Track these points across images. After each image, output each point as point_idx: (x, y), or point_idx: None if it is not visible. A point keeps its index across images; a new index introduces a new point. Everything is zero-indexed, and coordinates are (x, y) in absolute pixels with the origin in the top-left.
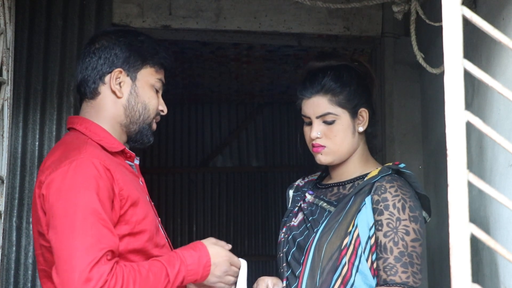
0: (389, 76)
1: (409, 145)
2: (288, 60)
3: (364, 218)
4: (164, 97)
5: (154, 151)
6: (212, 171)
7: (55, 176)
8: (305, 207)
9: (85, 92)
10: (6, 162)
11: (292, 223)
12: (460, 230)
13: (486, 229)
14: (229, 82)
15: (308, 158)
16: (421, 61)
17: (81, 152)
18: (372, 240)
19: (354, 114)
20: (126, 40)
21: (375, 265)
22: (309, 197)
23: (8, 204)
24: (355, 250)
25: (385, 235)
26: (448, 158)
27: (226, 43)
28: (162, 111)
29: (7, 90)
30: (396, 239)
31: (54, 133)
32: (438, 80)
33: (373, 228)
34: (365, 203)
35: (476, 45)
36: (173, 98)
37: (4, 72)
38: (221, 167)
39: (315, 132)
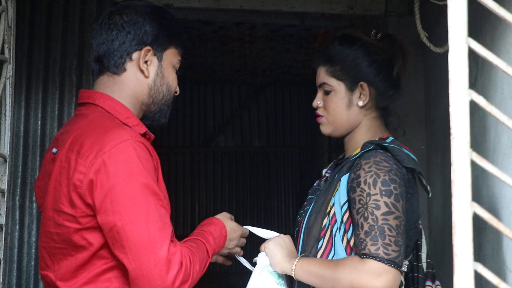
0: None
1: (411, 125)
2: (290, 40)
3: (338, 197)
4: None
5: (157, 131)
6: (215, 151)
7: (104, 160)
8: (314, 186)
9: (109, 65)
10: (9, 141)
11: (305, 202)
12: (463, 209)
13: (488, 208)
14: (232, 62)
15: (310, 138)
16: (425, 40)
17: (123, 133)
18: (345, 218)
19: (351, 87)
20: (156, 17)
21: (351, 243)
22: (324, 175)
23: (11, 183)
24: (331, 230)
25: (357, 212)
26: (452, 137)
27: (228, 22)
28: (176, 92)
29: (9, 68)
30: (366, 215)
31: (56, 112)
32: (441, 60)
33: (345, 206)
34: (340, 181)
35: (480, 24)
36: None
37: (6, 51)
38: (223, 146)
39: (316, 101)
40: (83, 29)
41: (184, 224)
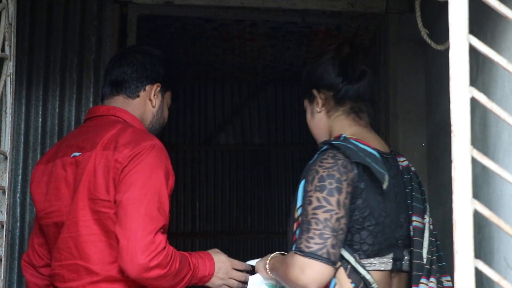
0: (393, 53)
1: (412, 122)
2: (291, 37)
3: (297, 201)
4: None
5: None
6: (215, 149)
7: (137, 152)
8: None
9: (126, 91)
10: (10, 138)
11: None
12: (463, 206)
13: (489, 205)
14: (232, 59)
15: (311, 136)
16: (425, 37)
17: (152, 137)
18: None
19: (310, 99)
20: (167, 64)
21: None
22: None
23: (12, 180)
24: (295, 233)
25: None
26: (452, 134)
27: (229, 19)
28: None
29: (10, 66)
30: (302, 211)
31: (57, 110)
32: (442, 57)
33: (299, 210)
34: (299, 185)
35: (481, 21)
36: (175, 75)
37: (7, 48)
38: (224, 144)
39: None
40: (83, 26)
41: (184, 221)
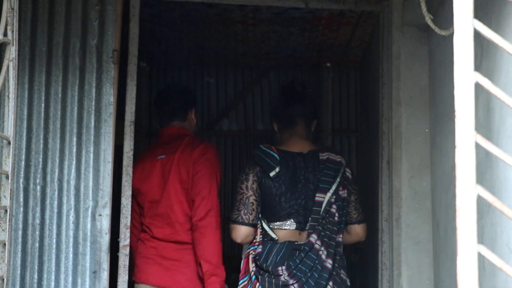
0: (397, 39)
1: (416, 108)
2: (294, 23)
3: None
4: (170, 60)
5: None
6: (218, 135)
7: (207, 149)
8: None
9: (179, 117)
10: (13, 123)
11: None
12: (467, 192)
13: (492, 191)
14: (235, 45)
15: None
16: (429, 22)
17: (210, 142)
18: None
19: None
20: (194, 93)
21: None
22: None
23: (15, 165)
24: None
25: None
26: (456, 119)
27: (232, 5)
28: None
29: (12, 50)
30: None
31: (59, 95)
32: (446, 43)
33: None
34: None
35: (486, 5)
36: (178, 61)
37: (9, 33)
38: (227, 130)
39: None
40: (86, 11)
41: None
